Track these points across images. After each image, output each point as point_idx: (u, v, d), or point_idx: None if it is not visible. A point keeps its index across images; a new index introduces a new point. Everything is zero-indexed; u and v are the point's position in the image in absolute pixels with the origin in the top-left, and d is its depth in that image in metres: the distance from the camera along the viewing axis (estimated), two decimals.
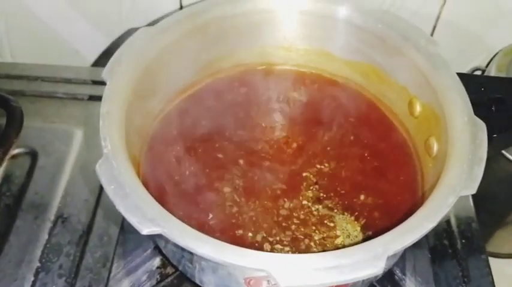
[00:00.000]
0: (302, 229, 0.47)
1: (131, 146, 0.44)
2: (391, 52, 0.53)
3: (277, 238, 0.47)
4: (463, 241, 0.56)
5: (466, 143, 0.43)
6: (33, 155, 0.60)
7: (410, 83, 0.52)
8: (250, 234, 0.47)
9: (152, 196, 0.39)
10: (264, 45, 0.58)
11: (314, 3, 0.55)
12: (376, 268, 0.35)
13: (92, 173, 0.39)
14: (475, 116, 0.45)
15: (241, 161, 0.52)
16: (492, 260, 0.54)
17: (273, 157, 0.53)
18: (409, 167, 0.52)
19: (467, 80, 0.47)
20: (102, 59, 0.76)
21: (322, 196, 0.50)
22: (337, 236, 0.47)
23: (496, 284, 0.52)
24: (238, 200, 0.49)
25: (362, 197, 0.50)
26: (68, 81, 0.69)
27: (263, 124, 0.56)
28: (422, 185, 0.50)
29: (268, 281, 0.39)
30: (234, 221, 0.48)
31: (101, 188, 0.56)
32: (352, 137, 0.55)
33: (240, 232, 0.47)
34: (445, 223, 0.57)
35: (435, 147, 0.48)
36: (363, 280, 0.42)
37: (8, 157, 0.51)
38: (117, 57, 0.47)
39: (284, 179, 0.51)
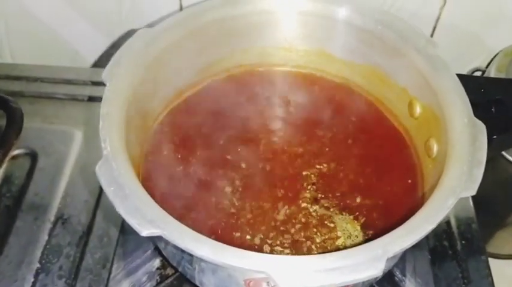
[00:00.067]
0: (302, 233, 0.47)
1: (131, 147, 0.44)
2: (391, 53, 0.53)
3: (278, 242, 0.47)
4: (463, 242, 0.56)
5: (465, 145, 0.43)
6: (33, 156, 0.60)
7: (410, 85, 0.52)
8: (248, 236, 0.47)
9: (152, 197, 0.39)
10: (264, 46, 0.58)
11: (314, 4, 0.55)
12: (376, 270, 0.35)
13: (92, 174, 0.39)
14: (475, 118, 0.45)
15: (241, 162, 0.52)
16: (492, 261, 0.54)
17: (273, 158, 0.53)
18: (409, 168, 0.52)
19: (467, 81, 0.47)
20: (102, 60, 0.76)
21: (321, 196, 0.50)
22: (338, 237, 0.47)
23: (496, 285, 0.52)
24: (238, 202, 0.49)
25: (362, 197, 0.50)
26: (68, 82, 0.69)
27: (263, 125, 0.56)
28: (422, 186, 0.50)
29: (268, 282, 0.39)
30: (233, 223, 0.48)
31: (101, 189, 0.56)
32: (352, 138, 0.55)
33: (238, 234, 0.47)
34: (445, 224, 0.57)
35: (435, 148, 0.48)
36: (363, 282, 0.42)
37: (8, 158, 0.51)
38: (117, 59, 0.47)
39: (284, 179, 0.51)
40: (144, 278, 0.51)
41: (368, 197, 0.50)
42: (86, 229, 0.55)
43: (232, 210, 0.48)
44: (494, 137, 0.48)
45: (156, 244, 0.52)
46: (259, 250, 0.46)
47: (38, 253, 0.52)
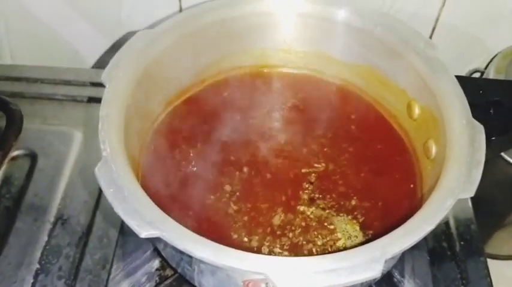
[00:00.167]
0: (302, 237, 0.47)
1: (130, 148, 0.44)
2: (390, 55, 0.53)
3: (278, 245, 0.47)
4: (462, 242, 0.56)
5: (464, 146, 0.43)
6: (32, 157, 0.60)
7: (409, 86, 0.52)
8: (245, 239, 0.47)
9: (151, 199, 0.39)
10: (264, 47, 0.59)
11: (313, 6, 0.55)
12: (375, 271, 0.35)
13: (91, 174, 0.39)
14: (474, 119, 0.45)
15: (241, 163, 0.52)
16: (491, 262, 0.54)
17: (273, 158, 0.53)
18: (407, 170, 0.52)
19: (466, 82, 0.47)
20: (102, 61, 0.76)
21: (318, 197, 0.50)
22: (338, 239, 0.47)
23: (494, 285, 0.52)
24: (237, 203, 0.49)
25: (361, 199, 0.50)
26: (68, 83, 0.69)
27: (262, 126, 0.56)
28: (421, 187, 0.50)
29: (266, 284, 0.39)
30: (232, 224, 0.48)
31: (101, 190, 0.55)
32: (351, 139, 0.55)
33: (236, 236, 0.47)
34: (444, 225, 0.57)
35: (434, 149, 0.48)
36: (361, 283, 0.42)
37: (7, 159, 0.51)
38: (116, 60, 0.48)
39: (283, 181, 0.51)
40: (144, 279, 0.51)
41: (367, 198, 0.50)
42: (85, 230, 0.55)
43: (231, 212, 0.49)
44: (493, 138, 0.48)
45: (156, 245, 0.52)
46: (258, 253, 0.46)
47: (38, 254, 0.52)
